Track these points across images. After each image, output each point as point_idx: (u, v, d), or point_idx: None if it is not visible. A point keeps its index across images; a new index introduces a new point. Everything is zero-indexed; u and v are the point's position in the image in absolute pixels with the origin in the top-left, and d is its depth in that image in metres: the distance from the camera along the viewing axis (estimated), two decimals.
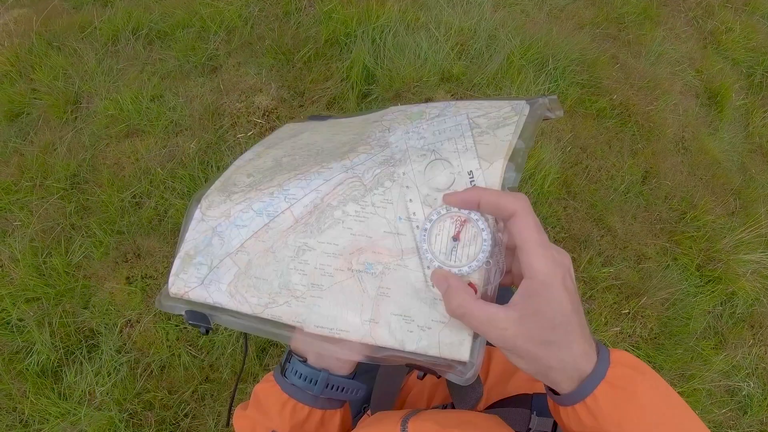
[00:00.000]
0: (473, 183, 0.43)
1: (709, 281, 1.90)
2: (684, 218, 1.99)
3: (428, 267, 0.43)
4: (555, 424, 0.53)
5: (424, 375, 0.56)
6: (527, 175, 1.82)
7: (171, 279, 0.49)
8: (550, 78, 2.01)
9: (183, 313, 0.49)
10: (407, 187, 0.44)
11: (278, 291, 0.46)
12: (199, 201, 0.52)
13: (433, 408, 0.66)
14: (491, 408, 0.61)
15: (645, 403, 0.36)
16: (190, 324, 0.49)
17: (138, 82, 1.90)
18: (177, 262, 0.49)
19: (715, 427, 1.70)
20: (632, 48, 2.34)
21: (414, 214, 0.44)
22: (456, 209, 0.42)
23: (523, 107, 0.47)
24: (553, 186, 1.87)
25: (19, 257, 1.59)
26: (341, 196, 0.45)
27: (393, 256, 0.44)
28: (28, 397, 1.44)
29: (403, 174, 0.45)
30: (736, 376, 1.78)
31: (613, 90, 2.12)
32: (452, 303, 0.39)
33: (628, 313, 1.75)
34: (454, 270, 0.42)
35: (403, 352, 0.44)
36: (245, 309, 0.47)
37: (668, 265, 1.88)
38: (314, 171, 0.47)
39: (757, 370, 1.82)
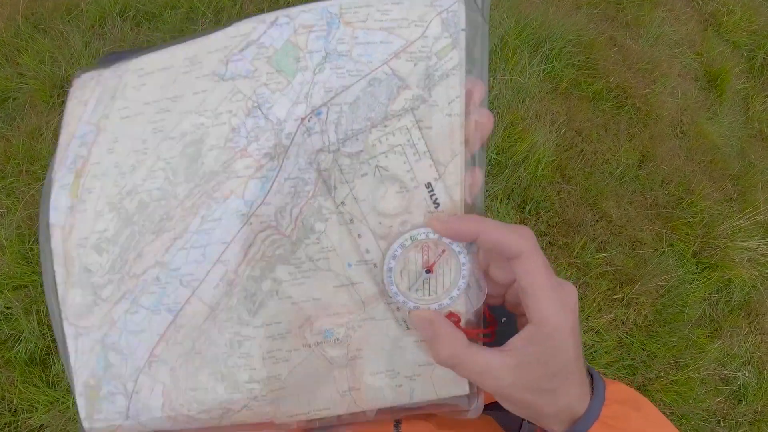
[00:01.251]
0: (435, 198, 0.33)
1: (705, 268, 1.83)
2: (681, 204, 1.91)
3: (398, 308, 0.35)
4: None
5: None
6: (520, 158, 1.74)
7: (85, 424, 0.37)
8: (545, 59, 1.92)
9: None
10: (350, 221, 0.33)
11: (228, 397, 0.35)
12: (58, 310, 0.38)
13: None
14: (483, 410, 0.57)
15: None
16: None
17: None
18: (80, 402, 0.37)
19: (709, 415, 1.65)
20: (630, 29, 2.24)
21: (368, 251, 0.34)
22: (427, 236, 0.33)
23: (453, 7, 0.33)
24: (546, 170, 1.79)
25: (6, 245, 1.54)
26: (261, 262, 0.34)
27: (353, 313, 0.35)
28: (17, 386, 1.40)
29: (339, 207, 0.33)
30: (731, 364, 1.73)
31: (610, 72, 2.03)
32: (441, 354, 0.34)
33: (622, 299, 1.69)
34: (433, 306, 0.34)
35: (399, 408, 0.37)
36: (196, 425, 0.37)
37: (664, 251, 1.81)
38: (194, 230, 0.34)
39: (752, 359, 1.76)
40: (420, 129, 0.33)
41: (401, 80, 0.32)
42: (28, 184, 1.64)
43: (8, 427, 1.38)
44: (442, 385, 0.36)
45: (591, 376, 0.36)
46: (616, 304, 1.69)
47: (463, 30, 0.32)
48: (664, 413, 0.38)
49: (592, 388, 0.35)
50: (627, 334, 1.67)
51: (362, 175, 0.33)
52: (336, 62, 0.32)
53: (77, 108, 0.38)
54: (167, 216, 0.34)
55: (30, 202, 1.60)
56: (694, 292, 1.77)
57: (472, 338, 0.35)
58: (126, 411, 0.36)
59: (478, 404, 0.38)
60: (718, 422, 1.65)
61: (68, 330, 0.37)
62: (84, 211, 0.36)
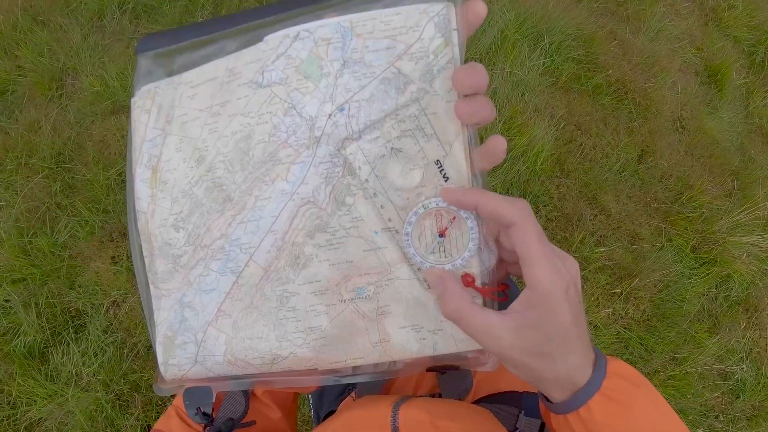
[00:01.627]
0: (444, 174, 0.39)
1: (704, 263, 1.82)
2: (680, 199, 1.90)
3: (419, 269, 0.40)
4: (542, 425, 0.52)
5: (444, 372, 0.55)
6: (519, 152, 1.72)
7: (161, 368, 0.46)
8: (545, 53, 1.90)
9: (182, 393, 0.47)
10: (374, 195, 0.39)
11: (278, 345, 0.42)
12: (146, 276, 0.46)
13: (420, 396, 0.62)
14: (480, 401, 0.59)
15: (640, 417, 0.35)
16: (193, 418, 0.48)
17: (124, 57, 1.81)
18: (159, 350, 0.45)
19: (707, 410, 1.64)
20: (631, 23, 2.22)
21: (390, 220, 0.40)
22: (437, 204, 0.38)
23: (443, 12, 0.37)
24: (546, 164, 1.78)
25: (4, 238, 1.53)
26: (303, 231, 0.41)
27: (381, 273, 0.41)
28: (15, 379, 1.40)
29: (364, 183, 0.39)
30: (730, 359, 1.72)
31: (610, 66, 2.01)
32: (448, 307, 0.37)
33: (621, 293, 1.68)
34: (447, 266, 0.39)
35: (424, 358, 0.42)
36: (251, 371, 0.44)
37: (662, 246, 1.80)
38: (250, 207, 0.42)
39: (750, 354, 1.75)
40: (426, 115, 0.38)
41: (406, 77, 0.38)
42: (27, 177, 1.63)
43: (7, 420, 1.38)
44: (462, 339, 0.40)
45: (594, 353, 0.37)
46: (614, 299, 1.68)
47: (455, 29, 0.37)
48: None
49: (596, 358, 0.37)
50: (625, 328, 1.66)
51: (381, 157, 0.39)
52: (352, 68, 0.38)
53: (142, 116, 0.45)
54: (228, 198, 0.42)
55: (29, 195, 1.60)
56: (692, 287, 1.76)
57: (486, 297, 0.39)
58: (195, 356, 0.44)
59: (493, 361, 0.41)
60: (716, 417, 1.64)
61: (154, 292, 0.45)
62: (163, 198, 0.44)
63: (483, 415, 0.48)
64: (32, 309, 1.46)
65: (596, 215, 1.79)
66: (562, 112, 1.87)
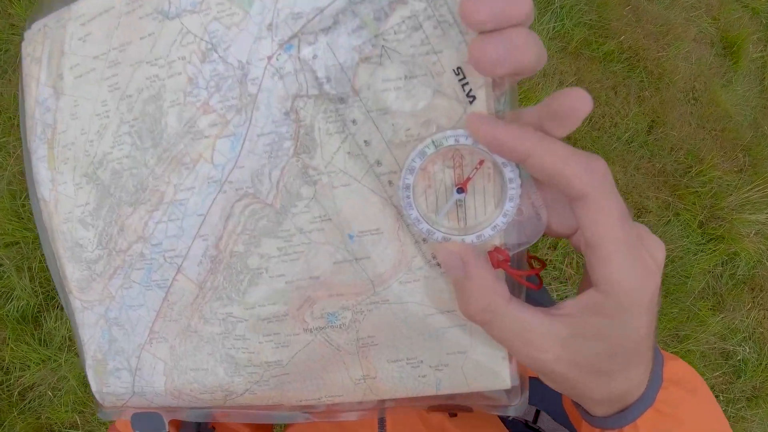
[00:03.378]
0: (468, 89, 0.23)
1: (711, 240, 1.73)
2: (689, 172, 1.79)
3: (425, 240, 0.26)
4: (537, 412, 0.44)
5: (455, 414, 0.43)
6: None
7: (97, 396, 0.36)
8: (555, 16, 1.77)
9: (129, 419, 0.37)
10: (344, 184, 0.26)
11: (229, 380, 0.32)
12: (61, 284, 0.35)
13: None
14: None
15: (689, 430, 0.28)
16: None
17: None
18: (90, 375, 0.35)
19: None
20: None
21: (378, 163, 0.25)
22: (457, 141, 0.23)
23: None
24: None
25: None
26: (245, 236, 0.28)
27: (360, 293, 0.28)
28: (8, 344, 1.36)
29: (328, 165, 0.25)
30: (733, 339, 1.65)
31: (623, 32, 1.87)
32: (473, 305, 0.25)
33: None
34: (470, 237, 0.25)
35: (423, 399, 0.30)
36: (201, 404, 0.34)
37: (669, 220, 1.71)
38: (169, 201, 0.29)
39: (754, 335, 1.68)
40: (428, 54, 0.23)
41: None
42: (19, 138, 1.51)
43: (0, 385, 1.35)
44: (476, 377, 0.29)
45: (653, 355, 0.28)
46: None
47: None
48: None
49: (652, 370, 0.28)
50: None
51: (353, 122, 0.25)
52: None
53: (33, 67, 0.32)
54: (141, 186, 0.29)
55: (21, 157, 1.52)
56: (698, 264, 1.68)
57: (516, 280, 0.26)
58: (131, 386, 0.34)
59: (523, 400, 0.30)
60: (716, 397, 1.56)
61: (75, 303, 0.34)
62: (64, 183, 0.32)
63: (485, 420, 0.42)
64: (25, 273, 1.40)
65: None
66: (571, 79, 1.76)
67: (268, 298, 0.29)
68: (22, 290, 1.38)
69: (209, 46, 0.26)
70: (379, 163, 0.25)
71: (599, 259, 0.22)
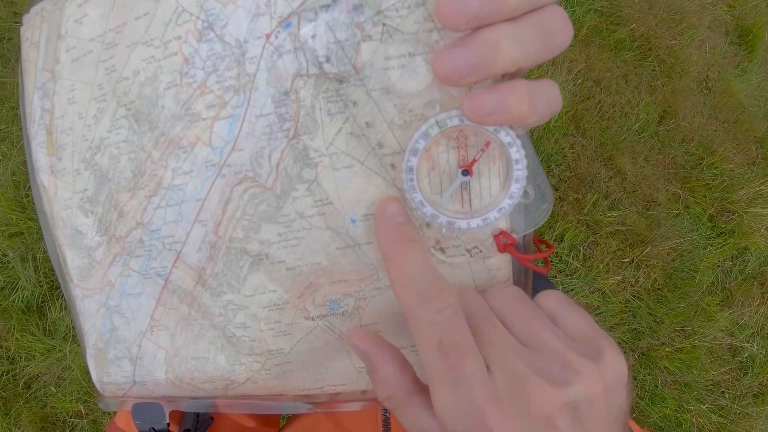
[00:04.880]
0: None
1: (721, 234, 1.68)
2: (700, 164, 1.73)
3: (428, 224, 0.25)
4: None
5: None
6: None
7: (97, 386, 0.36)
8: (566, 2, 1.70)
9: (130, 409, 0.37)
10: (346, 166, 0.25)
11: (230, 369, 0.31)
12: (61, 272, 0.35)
13: None
14: None
15: None
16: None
17: None
18: (91, 364, 0.35)
19: (713, 385, 1.54)
20: None
21: (380, 145, 0.24)
22: (462, 121, 0.23)
23: None
24: (561, 121, 1.61)
25: (0, 191, 1.45)
26: (244, 221, 0.27)
27: (363, 279, 0.27)
28: (14, 334, 1.36)
29: (330, 145, 0.25)
30: (740, 335, 1.61)
31: (635, 20, 1.80)
32: (378, 393, 0.24)
33: (632, 261, 1.55)
34: (474, 221, 0.24)
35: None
36: (202, 394, 0.33)
37: (679, 212, 1.66)
38: (167, 185, 0.28)
39: (762, 331, 1.64)
40: (432, 31, 0.22)
41: None
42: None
43: (6, 375, 1.35)
44: None
45: None
46: (625, 266, 1.57)
47: None
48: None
49: None
50: (634, 296, 1.55)
51: (354, 103, 0.24)
52: None
53: (31, 52, 0.31)
54: (139, 171, 0.29)
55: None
56: (707, 258, 1.63)
57: (524, 265, 0.26)
58: (132, 375, 0.34)
59: None
60: (722, 393, 1.53)
61: (75, 292, 0.34)
62: (63, 170, 0.31)
63: None
64: (30, 263, 1.39)
65: (611, 177, 1.64)
66: (580, 67, 1.69)
67: (268, 285, 0.28)
68: (26, 280, 1.38)
69: (206, 24, 0.25)
70: (381, 144, 0.24)
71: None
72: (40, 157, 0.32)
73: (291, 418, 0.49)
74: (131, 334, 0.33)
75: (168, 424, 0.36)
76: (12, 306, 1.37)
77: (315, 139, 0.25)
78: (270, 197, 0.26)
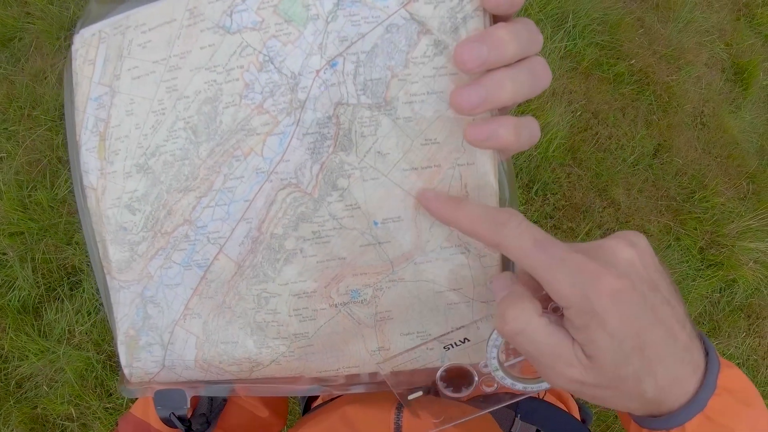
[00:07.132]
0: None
1: (710, 265, 1.70)
2: (692, 197, 1.75)
3: (497, 384, 0.32)
4: None
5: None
6: None
7: (126, 371, 0.38)
8: (568, 35, 1.73)
9: (153, 395, 0.39)
10: (374, 178, 0.30)
11: (257, 352, 0.35)
12: (101, 266, 0.38)
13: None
14: (474, 400, 0.52)
15: None
16: (164, 422, 0.40)
17: None
18: (122, 350, 0.38)
19: None
20: (660, 12, 2.01)
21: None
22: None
23: None
24: (558, 151, 1.63)
25: (3, 190, 1.45)
26: (284, 220, 0.32)
27: (381, 273, 0.32)
28: (8, 333, 1.35)
29: (361, 161, 0.30)
30: None
31: (634, 55, 1.83)
32: (508, 314, 0.26)
33: None
34: (534, 386, 0.31)
35: (429, 369, 0.35)
36: (228, 377, 0.37)
37: (670, 244, 1.67)
38: (218, 188, 0.32)
39: (748, 361, 1.64)
40: (446, 75, 0.28)
41: (421, 24, 0.28)
42: (30, 128, 1.53)
43: None
44: (476, 350, 0.33)
45: (706, 350, 0.28)
46: None
47: None
48: None
49: (706, 366, 0.27)
50: None
51: (383, 127, 0.29)
52: (349, 9, 0.28)
53: (86, 68, 0.35)
54: (192, 175, 0.33)
55: (30, 147, 1.50)
56: (696, 289, 1.64)
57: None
58: (162, 360, 0.37)
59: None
60: None
61: (111, 284, 0.37)
62: (113, 172, 0.35)
63: (483, 416, 0.41)
64: (28, 264, 1.38)
65: (605, 207, 1.66)
66: (580, 99, 1.72)
67: (300, 275, 0.32)
68: (24, 280, 1.37)
69: (266, 58, 0.29)
70: (403, 161, 0.29)
71: (543, 284, 0.25)
72: (90, 160, 0.35)
73: (302, 422, 0.51)
74: (164, 322, 0.36)
75: (189, 409, 0.39)
76: (8, 305, 1.37)
77: (350, 155, 0.30)
78: (309, 201, 0.31)
